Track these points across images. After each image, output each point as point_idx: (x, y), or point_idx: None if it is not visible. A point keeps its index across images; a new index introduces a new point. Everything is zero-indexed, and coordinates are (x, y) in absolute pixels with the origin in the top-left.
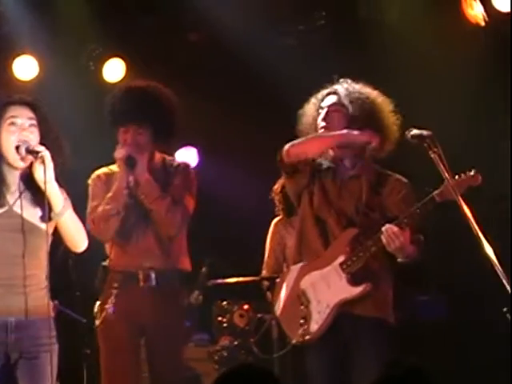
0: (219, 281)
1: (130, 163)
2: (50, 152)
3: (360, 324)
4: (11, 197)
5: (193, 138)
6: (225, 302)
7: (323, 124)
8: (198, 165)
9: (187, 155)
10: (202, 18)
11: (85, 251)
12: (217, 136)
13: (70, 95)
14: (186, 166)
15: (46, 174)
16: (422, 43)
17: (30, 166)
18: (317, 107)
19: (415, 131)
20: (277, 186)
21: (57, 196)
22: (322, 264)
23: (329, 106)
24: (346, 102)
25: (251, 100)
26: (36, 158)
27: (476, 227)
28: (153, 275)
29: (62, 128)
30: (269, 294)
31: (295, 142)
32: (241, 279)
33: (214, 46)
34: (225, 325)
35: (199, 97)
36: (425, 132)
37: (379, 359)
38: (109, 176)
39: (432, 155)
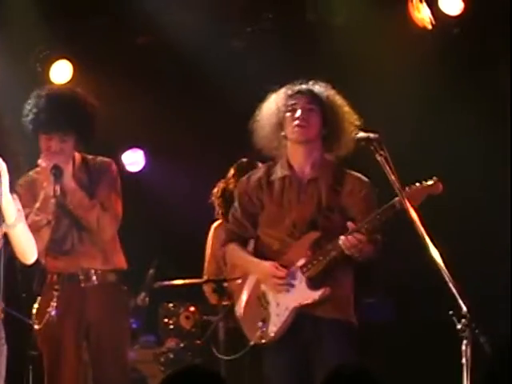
0: (166, 283)
1: (56, 173)
2: (7, 165)
3: (321, 325)
4: None
5: (140, 139)
6: (171, 304)
7: (298, 122)
8: (144, 166)
9: (134, 157)
10: (150, 21)
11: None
12: (164, 138)
13: (17, 97)
14: (108, 164)
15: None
16: (370, 46)
17: None
18: (285, 101)
19: (362, 134)
20: (216, 190)
21: (10, 208)
22: (283, 267)
23: (304, 105)
24: (321, 103)
25: (199, 102)
26: None
27: (422, 230)
28: (93, 275)
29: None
30: (214, 296)
31: (233, 257)
32: (187, 281)
33: (161, 48)
34: (171, 327)
35: (146, 99)
36: (371, 134)
37: (342, 361)
38: (30, 183)
39: (378, 158)
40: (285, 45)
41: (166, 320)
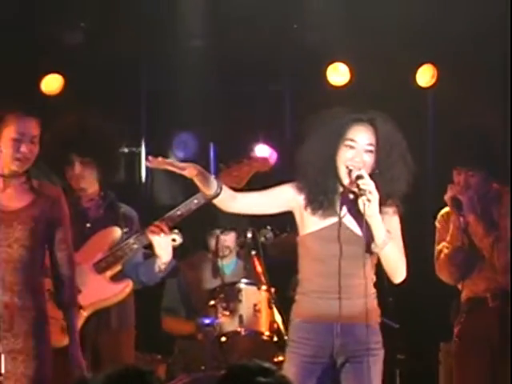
0: None
1: (456, 205)
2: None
3: None
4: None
5: None
6: None
7: None
8: None
9: None
10: None
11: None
12: None
13: (382, 101)
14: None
15: (366, 209)
16: None
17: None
18: None
19: None
20: None
21: (378, 230)
22: None
23: None
24: None
25: None
26: (359, 190)
27: None
28: (497, 297)
29: None
30: None
31: None
32: None
33: None
34: None
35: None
36: None
37: None
38: (448, 215)
39: None
40: None
41: None
